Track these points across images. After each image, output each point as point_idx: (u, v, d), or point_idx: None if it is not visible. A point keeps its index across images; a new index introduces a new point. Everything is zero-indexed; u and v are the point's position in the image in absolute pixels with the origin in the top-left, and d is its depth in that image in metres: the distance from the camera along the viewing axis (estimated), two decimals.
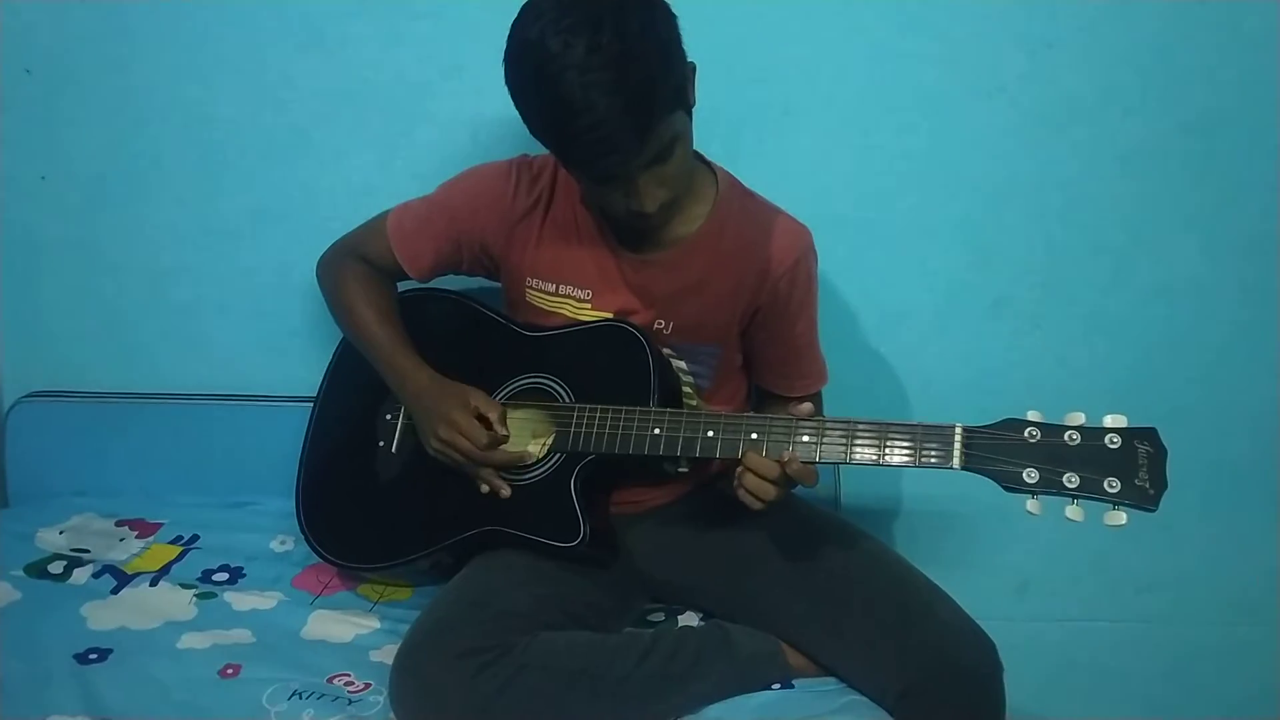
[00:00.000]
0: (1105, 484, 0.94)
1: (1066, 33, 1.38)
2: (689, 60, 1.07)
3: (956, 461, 1.00)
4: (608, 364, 1.18)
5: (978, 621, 1.13)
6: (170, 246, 1.52)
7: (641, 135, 0.99)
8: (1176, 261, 1.48)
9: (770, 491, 1.07)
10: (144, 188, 1.50)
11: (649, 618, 1.29)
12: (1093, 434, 0.96)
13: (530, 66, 0.99)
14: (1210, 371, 1.53)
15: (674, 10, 1.04)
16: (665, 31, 1.02)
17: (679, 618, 1.29)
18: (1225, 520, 1.59)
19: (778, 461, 1.05)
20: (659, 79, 0.99)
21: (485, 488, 1.19)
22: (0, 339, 1.58)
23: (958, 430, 1.00)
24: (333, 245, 1.33)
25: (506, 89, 1.04)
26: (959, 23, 1.38)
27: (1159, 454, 0.95)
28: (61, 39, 1.43)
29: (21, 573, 1.34)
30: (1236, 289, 1.49)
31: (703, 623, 1.26)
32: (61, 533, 1.44)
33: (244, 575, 1.37)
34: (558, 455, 1.18)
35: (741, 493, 1.08)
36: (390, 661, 1.11)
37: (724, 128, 1.33)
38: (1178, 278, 1.49)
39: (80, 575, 1.34)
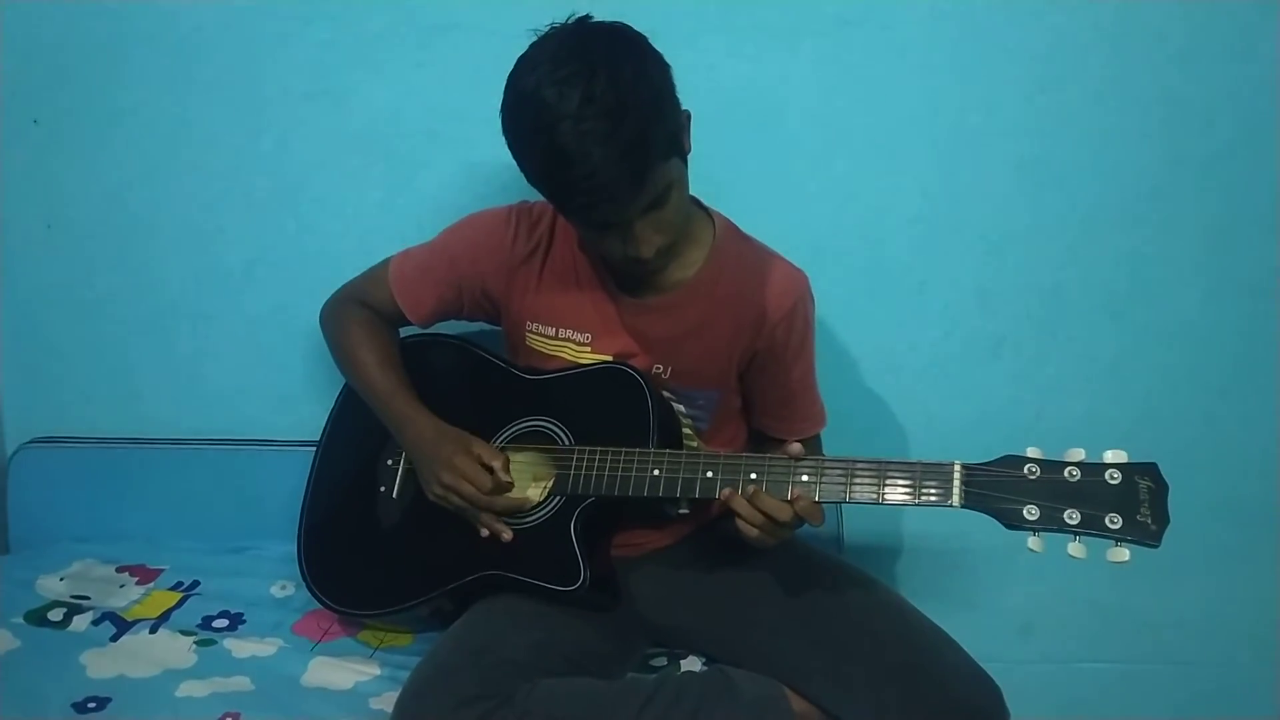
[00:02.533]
0: (1107, 520, 0.94)
1: (1064, 78, 1.40)
2: (684, 109, 1.09)
3: (956, 499, 0.99)
4: (607, 406, 1.18)
5: (982, 663, 1.12)
6: (173, 292, 1.54)
7: (636, 183, 1.01)
8: (1176, 302, 1.49)
9: (778, 533, 1.06)
10: (147, 234, 1.52)
11: (651, 662, 1.28)
12: (1093, 470, 0.96)
13: (526, 117, 1.01)
14: (1211, 411, 1.53)
15: (667, 61, 1.06)
16: (658, 81, 1.03)
17: (681, 662, 1.27)
18: (1227, 561, 1.58)
19: (788, 501, 1.05)
20: (652, 127, 1.00)
21: (486, 532, 1.19)
22: (3, 385, 1.59)
23: (957, 468, 1.00)
24: (336, 292, 1.35)
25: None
26: (958, 68, 1.40)
27: (1160, 489, 0.95)
28: (68, 89, 1.46)
29: (21, 620, 1.34)
30: (1237, 329, 1.50)
31: (705, 667, 1.25)
32: (62, 579, 1.43)
33: (244, 621, 1.36)
34: (558, 498, 1.18)
35: (747, 528, 1.07)
36: (391, 709, 1.10)
37: (721, 173, 1.34)
38: (1178, 318, 1.50)
39: (80, 622, 1.33)
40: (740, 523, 1.07)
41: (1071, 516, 0.95)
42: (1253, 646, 1.62)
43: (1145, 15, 1.36)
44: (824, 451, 1.32)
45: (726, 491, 1.07)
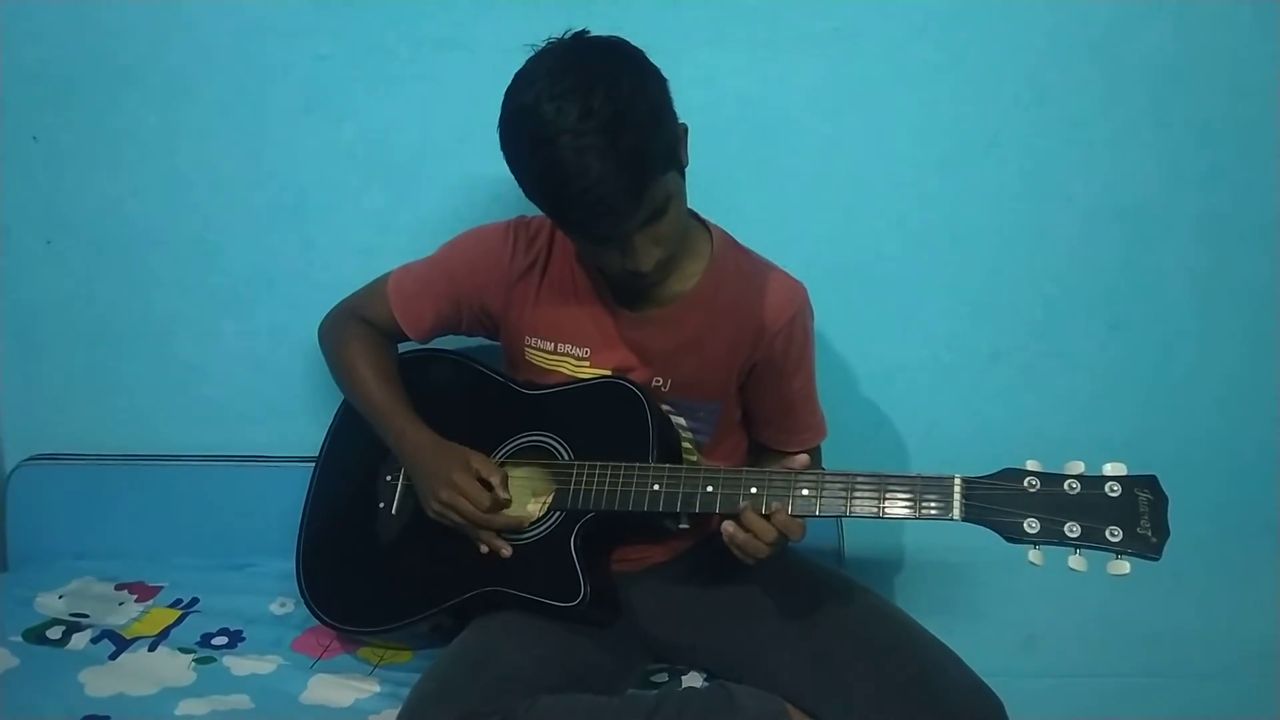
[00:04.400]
0: (1107, 533, 0.94)
1: (1060, 89, 1.40)
2: (681, 122, 1.09)
3: (956, 512, 0.99)
4: (606, 421, 1.18)
5: (984, 677, 1.11)
6: (172, 309, 1.54)
7: (635, 196, 1.01)
8: (1175, 312, 1.49)
9: (763, 549, 1.06)
10: (146, 251, 1.52)
11: (652, 678, 1.28)
12: (1092, 482, 0.96)
13: (525, 132, 1.01)
14: (1211, 422, 1.52)
15: (664, 75, 1.06)
16: (656, 95, 1.04)
17: (682, 678, 1.27)
18: (1229, 572, 1.58)
19: (766, 516, 1.05)
20: (650, 141, 1.01)
21: (485, 548, 1.19)
22: (2, 402, 1.59)
23: (957, 481, 1.00)
24: (334, 307, 1.35)
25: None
26: (951, 78, 1.40)
27: (1160, 502, 0.95)
28: (67, 106, 1.46)
29: (20, 638, 1.33)
30: (1236, 339, 1.49)
31: (706, 683, 1.25)
32: (61, 597, 1.43)
33: (243, 639, 1.36)
34: (557, 513, 1.17)
35: (735, 550, 1.08)
36: None
37: (719, 186, 1.34)
38: (1177, 329, 1.49)
39: (79, 640, 1.33)
40: (729, 544, 1.07)
41: (1072, 529, 0.94)
42: (1255, 658, 1.61)
43: (1141, 24, 1.37)
44: (824, 463, 1.32)
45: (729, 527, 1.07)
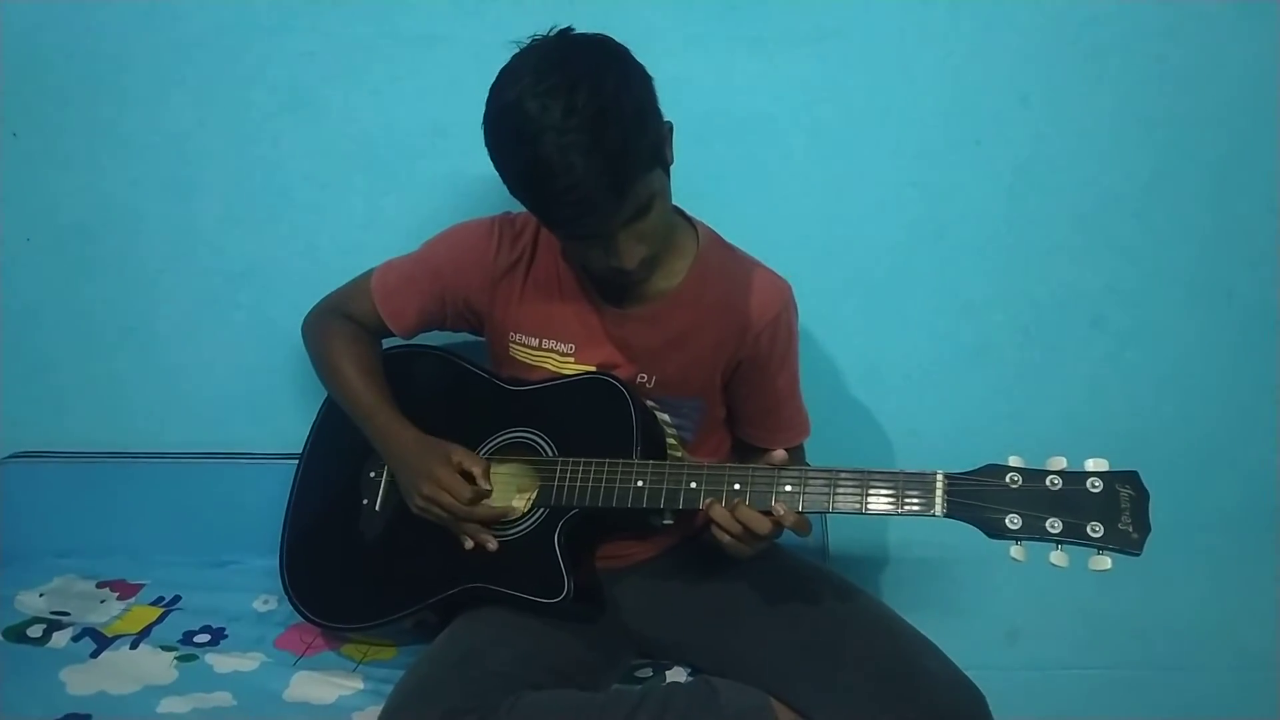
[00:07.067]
0: (1088, 529, 0.94)
1: (1047, 86, 1.40)
2: (666, 120, 1.09)
3: (939, 508, 1.00)
4: (590, 417, 1.18)
5: (968, 671, 1.12)
6: (155, 306, 1.54)
7: (619, 194, 1.01)
8: (1158, 310, 1.49)
9: (755, 544, 1.07)
10: (129, 248, 1.51)
11: (636, 674, 1.28)
12: (1074, 478, 0.97)
13: (508, 129, 1.01)
14: (1194, 418, 1.53)
15: (649, 72, 1.06)
16: (640, 92, 1.04)
17: (667, 673, 1.27)
18: (1212, 566, 1.59)
19: (766, 513, 1.05)
20: (634, 139, 1.00)
21: (470, 543, 1.19)
22: None
23: (939, 477, 1.01)
24: (318, 304, 1.34)
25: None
26: (935, 77, 1.40)
27: (1141, 497, 0.95)
28: (47, 101, 1.45)
29: (0, 637, 1.32)
30: (1220, 336, 1.50)
31: (690, 678, 1.25)
32: (42, 595, 1.42)
33: (226, 636, 1.35)
34: (541, 510, 1.17)
35: (723, 536, 1.07)
36: None
37: (704, 184, 1.34)
38: (1160, 326, 1.50)
39: (59, 639, 1.33)
40: (717, 531, 1.07)
41: (1053, 525, 0.95)
42: (1239, 653, 1.62)
43: (1131, 22, 1.37)
44: (808, 460, 1.32)
45: (708, 502, 1.07)
